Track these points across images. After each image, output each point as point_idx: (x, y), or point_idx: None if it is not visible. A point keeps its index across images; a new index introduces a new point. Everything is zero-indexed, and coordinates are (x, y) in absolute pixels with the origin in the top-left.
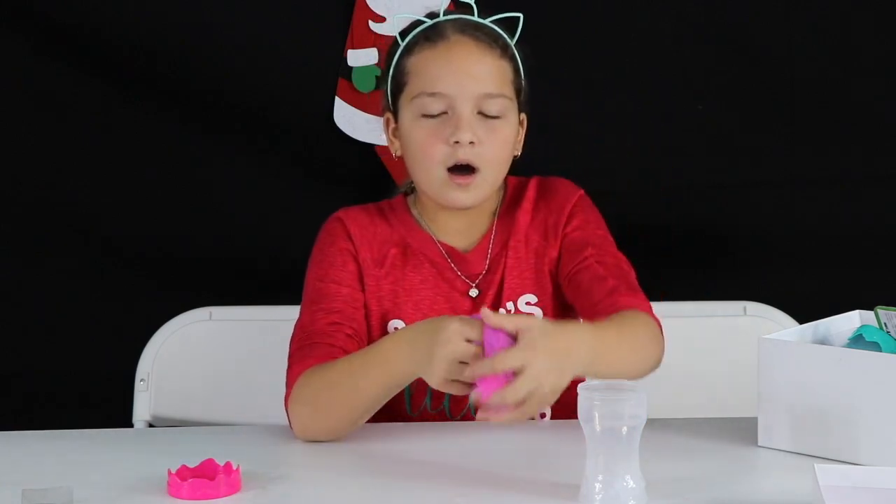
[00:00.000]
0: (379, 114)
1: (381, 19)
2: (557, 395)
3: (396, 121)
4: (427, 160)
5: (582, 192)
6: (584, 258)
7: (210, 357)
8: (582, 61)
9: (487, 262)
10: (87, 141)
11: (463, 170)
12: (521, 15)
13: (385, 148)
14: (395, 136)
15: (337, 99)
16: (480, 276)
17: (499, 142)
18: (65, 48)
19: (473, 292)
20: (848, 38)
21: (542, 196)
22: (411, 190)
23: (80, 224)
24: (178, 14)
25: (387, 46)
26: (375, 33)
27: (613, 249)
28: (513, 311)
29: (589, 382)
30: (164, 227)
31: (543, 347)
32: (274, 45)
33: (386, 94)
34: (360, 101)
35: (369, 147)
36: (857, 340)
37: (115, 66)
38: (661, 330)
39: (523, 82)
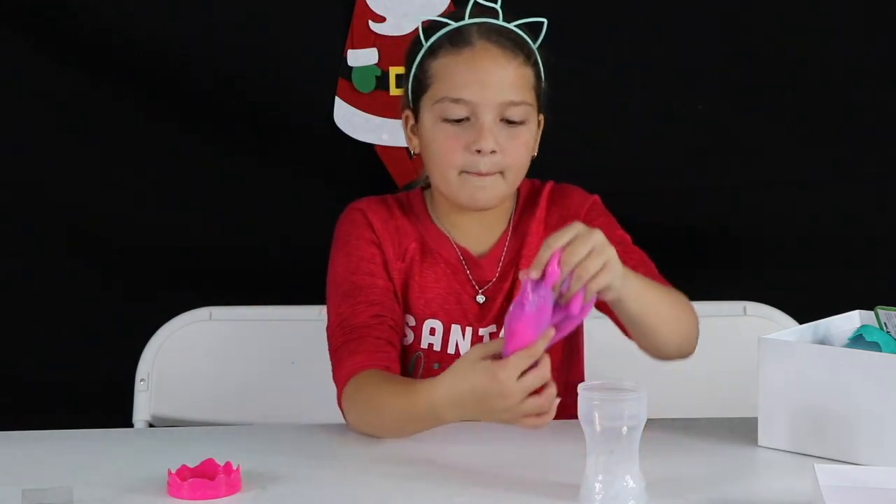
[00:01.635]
0: (379, 114)
1: (381, 19)
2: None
3: (416, 119)
4: (446, 164)
5: (596, 197)
6: None
7: (210, 357)
8: (581, 61)
9: (499, 269)
10: (87, 141)
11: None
12: (545, 20)
13: (384, 148)
14: (413, 133)
15: (337, 99)
16: (490, 283)
17: (520, 147)
18: (65, 48)
19: (480, 298)
20: (848, 38)
21: (555, 203)
22: (427, 185)
23: (80, 224)
24: (178, 14)
25: (387, 46)
26: (375, 33)
27: (636, 248)
28: None
29: (589, 382)
30: (164, 227)
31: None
32: (274, 45)
33: (407, 92)
34: (360, 101)
35: (369, 147)
36: (857, 340)
37: (115, 67)
38: (697, 319)
39: (544, 85)
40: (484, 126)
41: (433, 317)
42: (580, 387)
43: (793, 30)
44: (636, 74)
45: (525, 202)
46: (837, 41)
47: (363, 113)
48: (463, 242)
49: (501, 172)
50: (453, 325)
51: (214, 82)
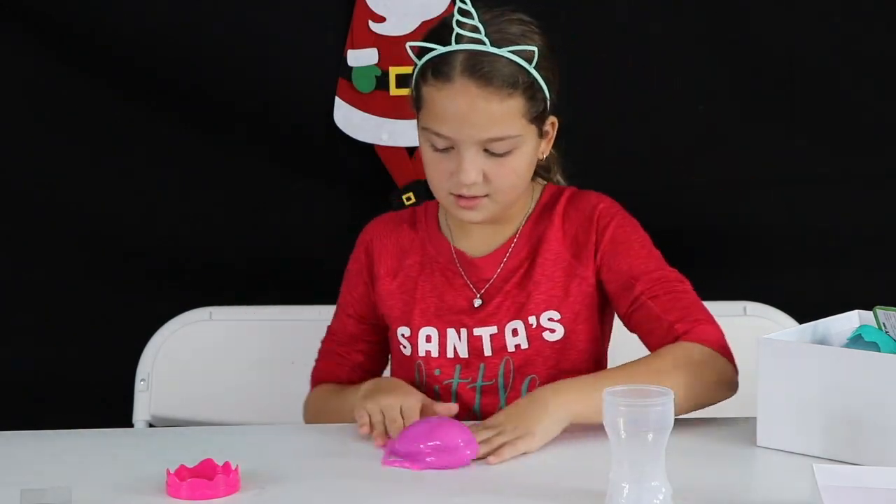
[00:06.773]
0: (379, 114)
1: (381, 19)
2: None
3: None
4: (435, 184)
5: (609, 200)
6: (636, 297)
7: (210, 357)
8: (582, 62)
9: (500, 269)
10: (87, 141)
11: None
12: (535, 48)
13: (384, 148)
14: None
15: (337, 99)
16: (489, 283)
17: (507, 173)
18: (65, 48)
19: (477, 302)
20: (848, 37)
21: (571, 207)
22: None
23: (80, 224)
24: (178, 14)
25: (387, 46)
26: (375, 33)
27: (659, 270)
28: (534, 325)
29: (614, 388)
30: (164, 227)
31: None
32: (274, 45)
33: (413, 97)
34: (360, 101)
35: (369, 147)
36: (856, 340)
37: (115, 66)
38: (726, 353)
39: (547, 96)
40: (464, 160)
41: (428, 325)
42: (606, 392)
43: (792, 29)
44: (636, 75)
45: (542, 208)
46: (837, 41)
47: (363, 113)
48: (463, 246)
49: (489, 195)
50: (448, 330)
51: (214, 82)
